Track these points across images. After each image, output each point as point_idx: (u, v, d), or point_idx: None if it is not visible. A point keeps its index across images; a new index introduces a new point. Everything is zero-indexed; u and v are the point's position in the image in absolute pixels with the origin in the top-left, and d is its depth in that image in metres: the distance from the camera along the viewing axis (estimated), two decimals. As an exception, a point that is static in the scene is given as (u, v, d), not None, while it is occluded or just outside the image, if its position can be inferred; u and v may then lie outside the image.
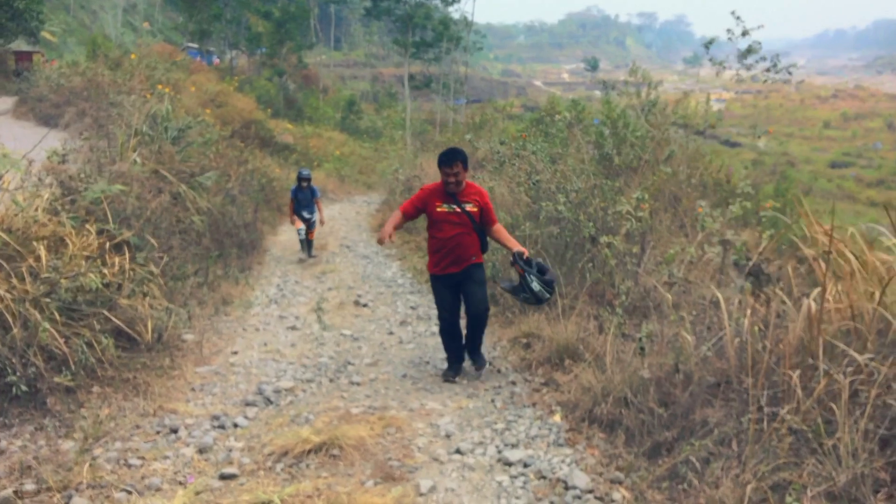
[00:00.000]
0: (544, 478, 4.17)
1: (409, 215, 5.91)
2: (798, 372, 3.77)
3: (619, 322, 5.50)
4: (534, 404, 5.31)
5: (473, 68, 69.94)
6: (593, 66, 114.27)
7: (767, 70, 9.59)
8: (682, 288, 5.99)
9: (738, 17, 9.66)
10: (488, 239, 6.01)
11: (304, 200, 11.68)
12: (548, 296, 5.64)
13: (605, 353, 5.20)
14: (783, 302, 4.47)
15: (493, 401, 5.43)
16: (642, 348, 4.64)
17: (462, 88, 48.92)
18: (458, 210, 5.70)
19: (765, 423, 3.73)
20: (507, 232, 6.04)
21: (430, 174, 15.40)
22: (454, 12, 60.11)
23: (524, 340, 6.59)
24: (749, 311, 4.41)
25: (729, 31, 9.77)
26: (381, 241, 5.74)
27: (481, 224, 5.81)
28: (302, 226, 11.68)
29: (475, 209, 5.73)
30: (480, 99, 53.26)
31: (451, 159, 5.63)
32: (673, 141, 9.69)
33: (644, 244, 6.94)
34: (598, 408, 4.74)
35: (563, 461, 4.37)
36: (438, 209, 5.75)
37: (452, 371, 6.04)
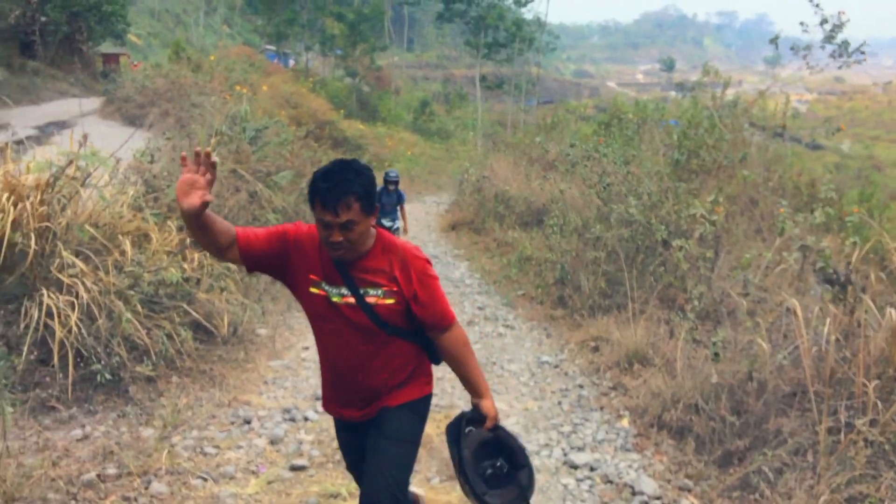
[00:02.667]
0: (611, 482, 4.15)
1: (246, 245, 2.64)
2: (876, 383, 3.64)
3: (690, 327, 5.41)
4: (601, 408, 5.27)
5: (546, 69, 69.55)
6: (669, 66, 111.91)
7: (839, 55, 8.87)
8: (757, 295, 5.84)
9: (816, 5, 8.86)
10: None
11: (387, 205, 10.30)
12: None
13: (675, 358, 5.12)
14: (866, 311, 4.32)
15: (559, 403, 5.42)
16: (716, 354, 4.54)
17: (534, 89, 48.65)
18: (351, 301, 2.65)
19: (841, 434, 3.62)
20: (473, 356, 2.90)
21: (500, 175, 15.40)
22: (527, 13, 59.88)
23: (592, 344, 6.54)
24: (829, 320, 4.28)
25: (802, 23, 9.02)
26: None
27: (412, 327, 2.78)
28: None
29: (388, 301, 2.66)
30: (552, 100, 52.88)
31: (337, 194, 2.49)
32: (750, 143, 9.44)
33: (718, 248, 6.79)
34: (668, 413, 4.68)
35: (630, 466, 4.33)
36: (311, 289, 2.69)
37: None
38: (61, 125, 16.34)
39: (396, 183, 10.45)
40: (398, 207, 10.55)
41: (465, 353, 2.82)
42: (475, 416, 2.86)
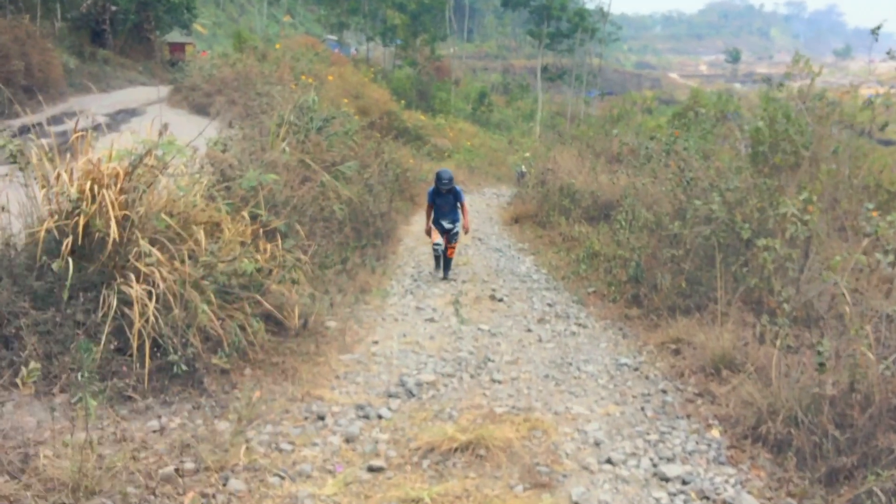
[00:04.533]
0: (707, 498, 3.90)
1: None
2: None
3: (784, 333, 5.10)
4: (688, 416, 5.01)
5: (606, 60, 68.39)
6: (734, 57, 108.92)
7: None
8: (852, 298, 5.49)
9: None
10: None
11: (444, 206, 9.68)
12: None
13: (768, 365, 4.83)
14: None
15: (642, 409, 5.17)
16: (822, 364, 4.24)
17: (595, 80, 47.94)
18: None
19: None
20: None
21: (565, 168, 15.10)
22: (590, 3, 59.00)
23: (672, 346, 6.27)
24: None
25: None
26: None
27: None
28: (440, 239, 9.64)
29: None
30: (613, 91, 52.04)
31: None
32: (836, 138, 8.99)
33: (808, 249, 6.44)
34: (764, 425, 4.39)
35: (726, 481, 4.07)
36: None
37: None
38: (131, 112, 16.66)
39: (450, 182, 9.61)
40: (458, 206, 9.78)
41: None
42: None
